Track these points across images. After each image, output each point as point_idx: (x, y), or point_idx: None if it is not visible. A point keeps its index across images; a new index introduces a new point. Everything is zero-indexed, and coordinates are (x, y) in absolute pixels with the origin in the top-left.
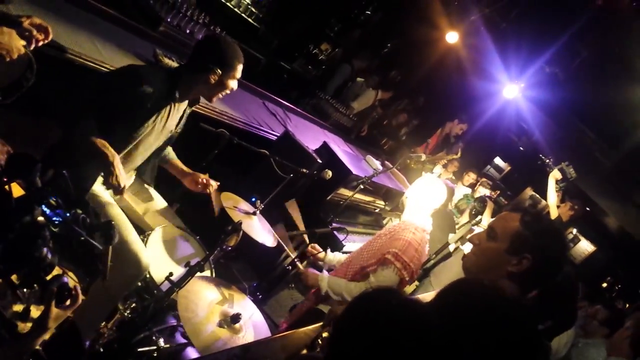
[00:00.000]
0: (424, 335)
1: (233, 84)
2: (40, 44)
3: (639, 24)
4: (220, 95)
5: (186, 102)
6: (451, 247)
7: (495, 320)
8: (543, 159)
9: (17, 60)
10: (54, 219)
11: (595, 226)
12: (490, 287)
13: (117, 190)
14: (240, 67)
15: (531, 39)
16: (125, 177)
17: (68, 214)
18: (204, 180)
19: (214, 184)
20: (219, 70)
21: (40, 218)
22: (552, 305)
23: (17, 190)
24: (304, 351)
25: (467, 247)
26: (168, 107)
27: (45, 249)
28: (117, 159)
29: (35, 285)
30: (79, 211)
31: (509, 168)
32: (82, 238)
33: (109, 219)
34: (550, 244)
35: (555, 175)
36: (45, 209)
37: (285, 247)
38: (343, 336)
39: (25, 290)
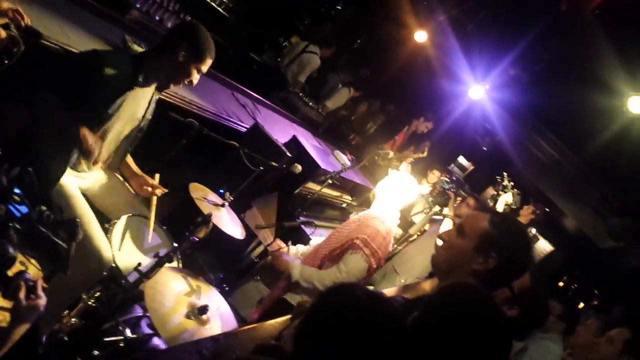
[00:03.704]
0: (391, 330)
1: (195, 75)
2: (23, 24)
3: (598, 32)
4: (181, 83)
5: (153, 87)
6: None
7: (473, 322)
8: (501, 179)
9: None
10: (19, 215)
11: (554, 227)
12: (475, 291)
13: (91, 158)
14: (208, 62)
15: (497, 41)
16: (97, 145)
17: (32, 211)
18: (150, 187)
19: (159, 191)
20: (185, 51)
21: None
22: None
23: None
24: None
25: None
26: (133, 92)
27: (9, 247)
28: (84, 129)
29: None
30: (44, 208)
31: (472, 167)
32: (46, 235)
33: (74, 212)
34: (516, 246)
35: (507, 198)
36: (10, 207)
37: (259, 236)
38: (310, 330)
39: None
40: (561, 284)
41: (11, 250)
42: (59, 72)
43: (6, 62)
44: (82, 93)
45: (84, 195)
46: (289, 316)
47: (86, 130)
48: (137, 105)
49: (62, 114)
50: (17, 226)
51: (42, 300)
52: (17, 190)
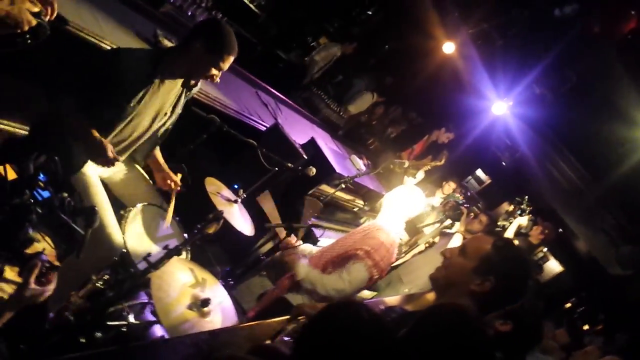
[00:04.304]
0: (386, 348)
1: (214, 72)
2: (47, 18)
3: (626, 59)
4: (200, 79)
5: (178, 83)
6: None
7: (454, 345)
8: (521, 201)
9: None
10: (41, 199)
11: (566, 248)
12: (459, 313)
13: (103, 163)
14: (228, 59)
15: (525, 58)
16: (116, 155)
17: (55, 197)
18: (173, 182)
19: (177, 188)
20: (201, 45)
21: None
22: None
23: (10, 173)
24: (268, 342)
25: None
26: (153, 87)
27: (29, 229)
28: (109, 146)
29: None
30: (65, 194)
31: (489, 181)
32: (65, 221)
33: (91, 200)
34: (514, 273)
35: (521, 222)
36: (34, 192)
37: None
38: (310, 340)
39: None
40: (568, 305)
41: (31, 231)
42: (80, 66)
43: (29, 42)
44: (101, 89)
45: (104, 183)
46: (287, 317)
47: (109, 147)
48: (164, 101)
49: (76, 119)
50: (39, 210)
51: (49, 287)
52: (41, 177)
